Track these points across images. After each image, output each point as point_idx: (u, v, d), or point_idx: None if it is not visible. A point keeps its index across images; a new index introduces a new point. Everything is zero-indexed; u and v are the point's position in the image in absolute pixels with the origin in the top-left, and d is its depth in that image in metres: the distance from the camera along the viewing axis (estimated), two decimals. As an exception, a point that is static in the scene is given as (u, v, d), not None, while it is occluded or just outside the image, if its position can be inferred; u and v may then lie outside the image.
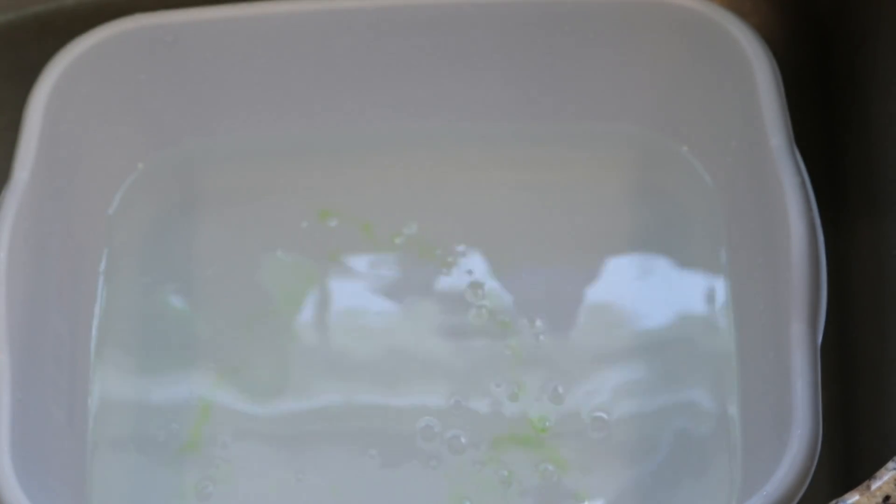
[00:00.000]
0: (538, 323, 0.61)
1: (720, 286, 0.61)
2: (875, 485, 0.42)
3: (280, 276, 0.64)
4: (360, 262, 0.63)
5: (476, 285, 0.62)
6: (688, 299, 0.62)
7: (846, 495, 0.41)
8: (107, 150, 0.63)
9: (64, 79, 0.60)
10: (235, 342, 0.62)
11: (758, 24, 0.65)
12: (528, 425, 0.59)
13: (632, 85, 0.64)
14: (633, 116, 0.65)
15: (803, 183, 0.56)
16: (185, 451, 0.59)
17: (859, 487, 0.42)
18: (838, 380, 0.60)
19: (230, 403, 0.60)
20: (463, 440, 0.59)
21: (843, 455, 0.59)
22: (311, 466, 0.59)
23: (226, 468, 0.59)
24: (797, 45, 0.65)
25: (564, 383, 0.60)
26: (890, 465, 0.42)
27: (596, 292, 0.62)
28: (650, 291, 0.62)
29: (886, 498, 0.41)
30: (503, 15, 0.62)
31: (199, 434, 0.59)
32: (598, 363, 0.60)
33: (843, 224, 0.62)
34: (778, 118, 0.57)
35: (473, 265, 0.63)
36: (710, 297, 0.61)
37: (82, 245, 0.62)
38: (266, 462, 0.59)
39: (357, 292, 0.63)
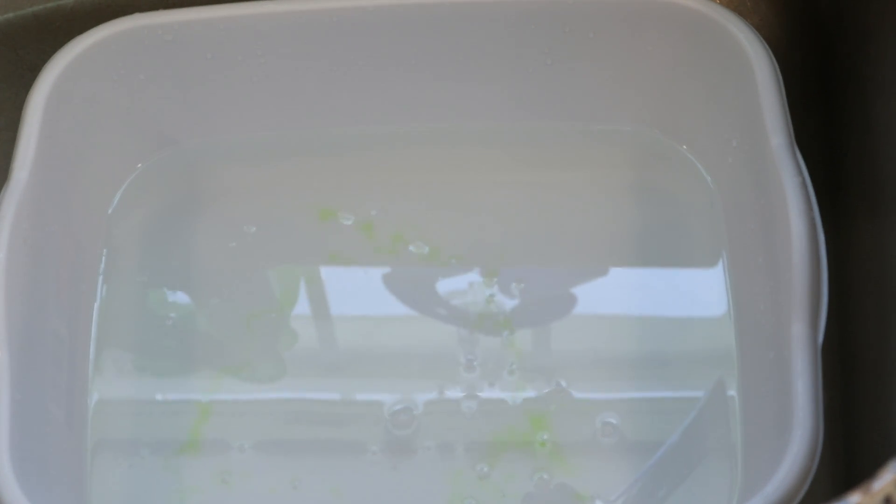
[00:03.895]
0: (539, 323, 0.61)
1: (720, 286, 0.61)
2: (876, 485, 0.42)
3: (279, 275, 0.64)
4: (360, 262, 0.63)
5: (476, 285, 0.62)
6: (688, 299, 0.62)
7: (847, 495, 0.41)
8: (106, 149, 0.63)
9: (63, 78, 0.60)
10: (235, 342, 0.62)
11: (758, 24, 0.65)
12: (530, 426, 0.59)
13: (632, 85, 0.64)
14: (632, 116, 0.65)
15: (803, 183, 0.56)
16: (184, 451, 0.59)
17: (860, 487, 0.42)
18: (839, 380, 0.60)
19: (230, 404, 0.60)
20: (464, 441, 0.59)
21: (843, 455, 0.59)
22: (308, 471, 0.59)
23: (225, 470, 0.59)
24: (797, 45, 0.65)
25: (565, 383, 0.60)
26: (891, 464, 0.42)
27: (596, 292, 0.62)
28: (650, 291, 0.62)
29: (887, 498, 0.41)
30: (503, 15, 0.62)
31: (199, 434, 0.59)
32: (599, 363, 0.60)
33: (843, 224, 0.62)
34: (778, 118, 0.57)
35: (473, 265, 0.63)
36: (710, 298, 0.61)
37: (82, 245, 0.62)
38: (265, 465, 0.59)
39: (357, 292, 0.63)
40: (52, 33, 0.64)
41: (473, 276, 0.63)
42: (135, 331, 0.62)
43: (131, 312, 0.62)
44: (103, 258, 0.63)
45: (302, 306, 0.63)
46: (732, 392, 0.59)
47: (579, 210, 0.64)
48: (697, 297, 0.61)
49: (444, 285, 0.63)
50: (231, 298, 0.63)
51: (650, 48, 0.62)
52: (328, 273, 0.63)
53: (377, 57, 0.63)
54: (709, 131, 0.63)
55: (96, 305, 0.62)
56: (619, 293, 0.62)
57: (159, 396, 0.61)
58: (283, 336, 0.62)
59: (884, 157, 0.59)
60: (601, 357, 0.61)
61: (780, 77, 0.58)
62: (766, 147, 0.57)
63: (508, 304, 0.62)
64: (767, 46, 0.59)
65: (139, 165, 0.65)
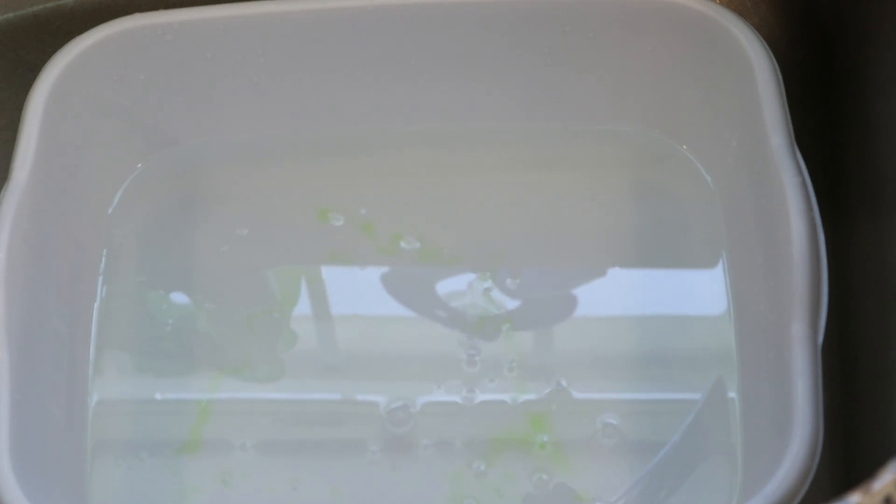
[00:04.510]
0: (538, 323, 0.61)
1: (720, 286, 0.61)
2: (876, 485, 0.42)
3: (280, 275, 0.64)
4: (359, 263, 0.63)
5: (476, 285, 0.62)
6: (688, 299, 0.62)
7: (847, 495, 0.41)
8: (107, 150, 0.63)
9: (63, 78, 0.60)
10: (235, 342, 0.62)
11: (758, 24, 0.65)
12: (530, 426, 0.59)
13: (632, 85, 0.64)
14: (633, 116, 0.65)
15: (803, 183, 0.56)
16: (184, 451, 0.59)
17: (860, 487, 0.42)
18: (839, 380, 0.60)
19: (230, 404, 0.60)
20: (464, 440, 0.59)
21: (843, 455, 0.59)
22: (308, 471, 0.59)
23: (225, 470, 0.59)
24: (797, 44, 0.65)
25: (565, 383, 0.60)
26: (891, 464, 0.42)
27: (596, 292, 0.62)
28: (650, 291, 0.62)
29: (887, 498, 0.41)
30: (503, 15, 0.62)
31: (199, 435, 0.59)
32: (598, 363, 0.60)
33: (843, 224, 0.62)
34: (778, 118, 0.57)
35: (473, 265, 0.63)
36: (710, 298, 0.61)
37: (82, 245, 0.62)
38: (265, 465, 0.59)
39: (357, 292, 0.63)
40: (52, 33, 0.64)
41: (473, 277, 0.63)
42: (135, 331, 0.62)
43: (131, 312, 0.62)
44: (103, 258, 0.63)
45: (302, 306, 0.63)
46: (732, 392, 0.59)
47: (579, 210, 0.64)
48: (697, 297, 0.61)
49: (444, 285, 0.63)
50: (231, 298, 0.63)
51: (650, 48, 0.62)
52: (328, 273, 0.63)
53: (377, 57, 0.63)
54: (709, 131, 0.63)
55: (96, 305, 0.62)
56: (619, 293, 0.62)
57: (159, 396, 0.61)
58: (283, 336, 0.62)
59: (884, 157, 0.59)
60: (601, 357, 0.60)
61: (780, 77, 0.58)
62: (766, 147, 0.57)
63: (508, 303, 0.62)
64: (767, 46, 0.59)
65: (139, 165, 0.65)
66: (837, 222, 0.61)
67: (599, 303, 0.62)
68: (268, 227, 0.64)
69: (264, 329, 0.62)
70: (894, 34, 0.58)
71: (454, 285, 0.63)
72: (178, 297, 0.63)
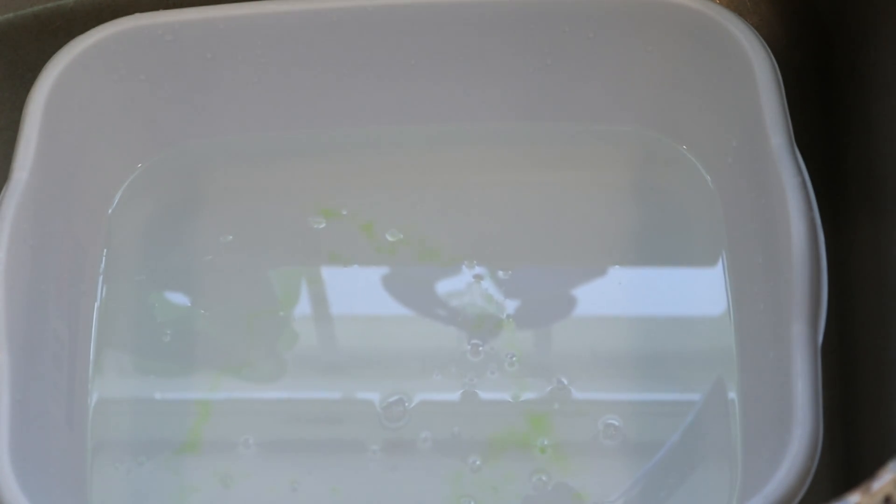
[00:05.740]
0: (538, 322, 0.61)
1: (720, 286, 0.61)
2: (876, 485, 0.42)
3: (280, 275, 0.64)
4: (359, 262, 0.63)
5: (475, 284, 0.62)
6: (688, 299, 0.62)
7: (847, 495, 0.41)
8: (107, 149, 0.63)
9: (63, 78, 0.60)
10: (235, 342, 0.62)
11: (758, 23, 0.65)
12: (530, 426, 0.59)
13: (632, 85, 0.64)
14: (633, 116, 0.65)
15: (803, 183, 0.56)
16: (184, 451, 0.59)
17: (860, 487, 0.42)
18: (839, 380, 0.60)
19: (230, 404, 0.60)
20: (464, 440, 0.59)
21: (843, 455, 0.59)
22: (308, 471, 0.59)
23: (225, 470, 0.59)
24: (797, 44, 0.65)
25: (566, 381, 0.60)
26: (891, 465, 0.42)
27: (596, 292, 0.62)
28: (650, 291, 0.62)
29: (887, 498, 0.41)
30: (503, 15, 0.62)
31: (199, 434, 0.59)
32: (598, 363, 0.60)
33: (843, 224, 0.62)
34: (778, 118, 0.57)
35: (473, 264, 0.63)
36: (710, 298, 0.61)
37: (82, 245, 0.62)
38: (265, 465, 0.59)
39: (357, 292, 0.63)
40: (52, 33, 0.64)
41: (473, 276, 0.63)
42: (135, 331, 0.62)
43: (131, 312, 0.62)
44: (103, 258, 0.63)
45: (302, 306, 0.63)
46: (732, 392, 0.59)
47: (579, 210, 0.64)
48: (697, 297, 0.61)
49: (444, 285, 0.63)
50: (231, 298, 0.63)
51: (650, 48, 0.62)
52: (328, 273, 0.63)
53: (377, 57, 0.63)
54: (709, 131, 0.63)
55: (96, 305, 0.62)
56: (619, 293, 0.62)
57: (159, 396, 0.61)
58: (283, 336, 0.62)
59: (884, 157, 0.59)
60: (601, 356, 0.60)
61: (780, 77, 0.58)
62: (766, 147, 0.57)
63: (508, 303, 0.62)
64: (767, 46, 0.59)
65: (139, 165, 0.65)
66: (837, 222, 0.61)
67: (599, 302, 0.62)
68: (268, 226, 0.64)
69: (264, 329, 0.62)
70: (894, 34, 0.58)
71: (454, 284, 0.63)
72: (179, 297, 0.63)
